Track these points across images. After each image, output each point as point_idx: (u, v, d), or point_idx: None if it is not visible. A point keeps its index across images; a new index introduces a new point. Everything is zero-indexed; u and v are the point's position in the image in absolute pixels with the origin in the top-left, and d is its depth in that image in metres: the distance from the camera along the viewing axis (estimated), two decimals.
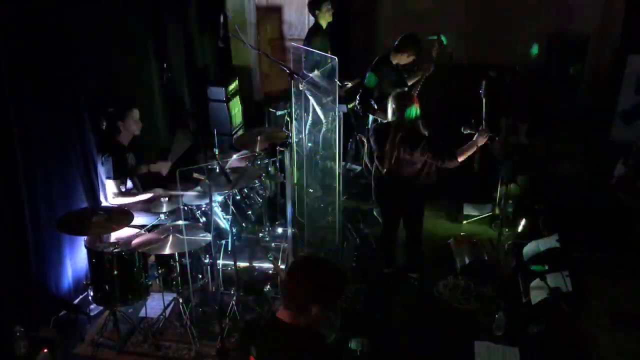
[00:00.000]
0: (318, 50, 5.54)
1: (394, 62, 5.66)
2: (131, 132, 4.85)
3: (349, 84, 6.74)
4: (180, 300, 4.45)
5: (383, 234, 5.21)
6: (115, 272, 4.12)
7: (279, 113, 7.24)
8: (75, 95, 4.62)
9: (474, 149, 4.47)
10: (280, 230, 5.36)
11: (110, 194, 4.78)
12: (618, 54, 6.81)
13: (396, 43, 5.63)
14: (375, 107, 5.70)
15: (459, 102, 6.60)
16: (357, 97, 5.95)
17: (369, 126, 6.00)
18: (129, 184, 5.02)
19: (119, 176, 4.73)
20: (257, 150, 5.20)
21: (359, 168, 7.08)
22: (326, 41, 6.50)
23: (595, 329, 4.50)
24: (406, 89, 5.64)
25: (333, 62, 4.64)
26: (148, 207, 4.80)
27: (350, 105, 6.56)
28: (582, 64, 6.24)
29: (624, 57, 6.50)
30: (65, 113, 4.55)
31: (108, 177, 4.71)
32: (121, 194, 4.79)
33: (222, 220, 4.83)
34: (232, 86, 7.25)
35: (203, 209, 4.78)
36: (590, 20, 7.25)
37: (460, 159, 4.45)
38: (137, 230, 4.45)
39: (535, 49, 5.98)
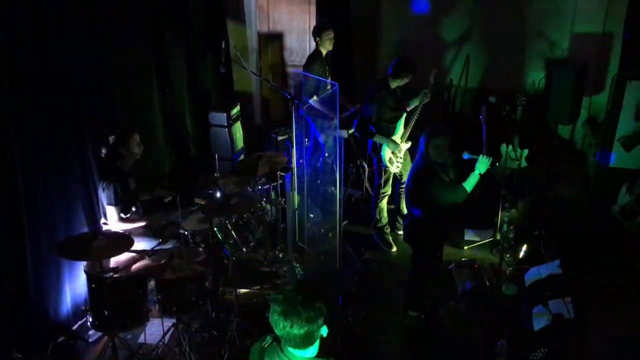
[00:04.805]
0: (316, 76, 5.59)
1: (393, 86, 5.70)
2: (134, 156, 4.85)
3: (352, 108, 6.79)
4: (180, 327, 4.42)
5: (423, 279, 4.89)
6: (114, 298, 4.10)
7: (280, 138, 7.28)
8: (77, 120, 4.66)
9: (478, 177, 4.45)
10: (280, 255, 5.35)
11: (111, 220, 4.77)
12: (617, 80, 6.85)
13: (391, 68, 5.68)
14: (374, 131, 5.72)
15: (459, 127, 6.63)
16: (355, 121, 5.98)
17: (369, 151, 6.02)
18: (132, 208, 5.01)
19: (120, 202, 4.72)
20: (258, 175, 5.21)
21: (359, 193, 7.09)
22: (325, 68, 6.56)
23: (600, 355, 4.46)
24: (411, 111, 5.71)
25: (334, 88, 4.67)
26: (148, 232, 4.79)
27: (350, 131, 6.60)
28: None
29: (623, 84, 6.53)
30: (67, 138, 4.58)
31: (109, 204, 4.69)
32: (122, 220, 4.79)
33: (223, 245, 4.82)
34: (234, 111, 7.29)
35: (203, 234, 4.78)
36: (590, 47, 7.31)
37: (469, 191, 4.44)
38: (136, 255, 4.43)
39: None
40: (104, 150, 4.70)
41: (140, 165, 5.09)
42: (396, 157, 5.79)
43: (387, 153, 5.76)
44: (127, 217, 4.83)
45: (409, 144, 5.78)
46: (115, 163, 4.75)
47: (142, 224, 4.86)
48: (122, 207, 4.75)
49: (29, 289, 4.25)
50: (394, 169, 5.85)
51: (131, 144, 4.78)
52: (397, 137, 5.79)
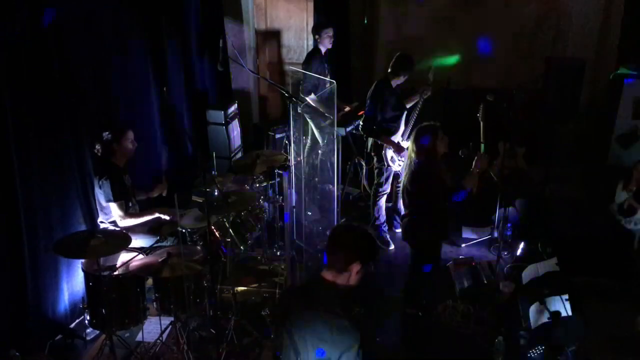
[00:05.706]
0: (315, 74, 5.58)
1: (393, 85, 5.71)
2: (127, 153, 4.84)
3: (347, 108, 6.79)
4: (178, 325, 4.42)
5: (421, 277, 4.83)
6: (112, 296, 4.09)
7: (277, 136, 7.27)
8: (74, 119, 4.64)
9: (476, 177, 4.44)
10: (278, 253, 5.35)
11: (117, 217, 4.75)
12: (614, 78, 6.87)
13: (390, 66, 5.69)
14: (380, 132, 5.73)
15: (456, 125, 6.64)
16: (360, 122, 5.98)
17: (368, 149, 6.02)
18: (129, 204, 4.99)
19: (119, 198, 4.71)
20: (256, 173, 5.20)
21: (357, 191, 7.09)
22: (323, 65, 6.55)
23: (596, 355, 4.46)
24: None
25: (332, 86, 4.68)
26: (147, 229, 4.78)
27: (349, 129, 6.60)
28: None
29: (620, 82, 6.55)
30: (64, 136, 4.57)
31: (109, 200, 4.68)
32: (128, 215, 4.77)
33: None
34: (231, 109, 7.28)
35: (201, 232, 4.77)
36: (587, 45, 7.33)
37: (467, 189, 4.42)
38: (134, 253, 4.42)
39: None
40: (98, 147, 4.69)
41: (134, 161, 5.08)
42: (398, 155, 5.80)
43: (389, 152, 5.76)
44: (131, 212, 4.81)
45: (409, 142, 5.78)
46: (109, 159, 4.74)
47: (149, 217, 4.84)
48: (122, 202, 4.74)
49: (26, 287, 4.24)
50: (396, 167, 5.86)
51: (125, 141, 4.77)
52: (397, 136, 5.79)
